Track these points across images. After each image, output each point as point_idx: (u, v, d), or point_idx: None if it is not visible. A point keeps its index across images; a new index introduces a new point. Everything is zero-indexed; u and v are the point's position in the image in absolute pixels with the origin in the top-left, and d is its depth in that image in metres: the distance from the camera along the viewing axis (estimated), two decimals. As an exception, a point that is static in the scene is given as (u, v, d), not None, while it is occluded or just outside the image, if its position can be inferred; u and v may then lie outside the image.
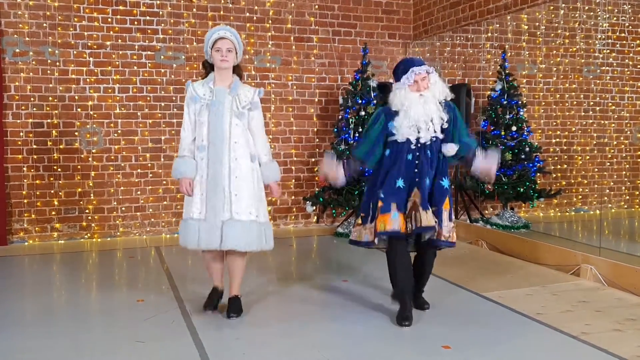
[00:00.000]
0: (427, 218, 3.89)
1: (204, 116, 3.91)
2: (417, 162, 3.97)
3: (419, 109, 3.93)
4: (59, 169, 6.63)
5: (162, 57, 6.92)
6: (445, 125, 3.99)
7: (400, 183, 3.96)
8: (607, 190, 7.51)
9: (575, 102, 7.60)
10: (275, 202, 7.35)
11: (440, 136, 4.00)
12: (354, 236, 4.18)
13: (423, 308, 4.24)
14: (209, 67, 4.03)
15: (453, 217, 4.11)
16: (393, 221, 3.92)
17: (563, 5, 7.09)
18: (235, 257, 4.05)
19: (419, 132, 3.93)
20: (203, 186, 3.92)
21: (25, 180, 6.53)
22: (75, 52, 6.63)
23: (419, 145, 3.96)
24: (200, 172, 3.93)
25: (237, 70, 4.03)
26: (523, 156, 6.74)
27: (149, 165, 6.94)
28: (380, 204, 3.96)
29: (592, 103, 7.50)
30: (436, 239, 3.96)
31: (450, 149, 4.03)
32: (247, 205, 3.89)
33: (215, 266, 4.16)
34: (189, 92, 3.99)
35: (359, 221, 4.15)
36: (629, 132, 7.57)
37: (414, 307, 4.15)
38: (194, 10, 7.01)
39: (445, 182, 4.02)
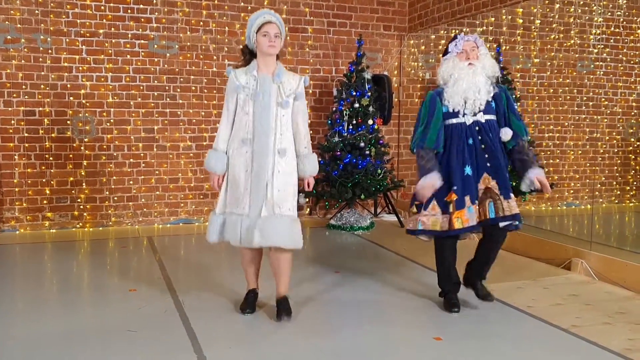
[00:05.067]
0: (509, 207, 3.79)
1: (249, 107, 3.69)
2: (482, 146, 3.82)
3: (469, 79, 3.78)
4: (51, 158, 6.60)
5: (155, 46, 6.88)
6: (490, 99, 3.85)
7: (468, 170, 3.80)
8: (599, 185, 7.54)
9: (568, 97, 7.61)
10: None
11: (494, 117, 3.86)
12: (410, 225, 4.04)
13: (487, 299, 4.02)
14: (248, 54, 3.79)
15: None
16: (470, 217, 3.79)
17: (558, -1, 7.10)
18: (280, 254, 3.79)
19: (465, 103, 3.79)
20: (248, 181, 3.69)
21: (16, 169, 6.49)
22: (67, 39, 6.58)
23: (477, 128, 3.82)
24: (245, 166, 3.70)
25: (279, 55, 3.80)
26: (516, 150, 6.74)
27: (142, 155, 6.91)
28: (454, 197, 3.80)
29: (585, 98, 7.51)
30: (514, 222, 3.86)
31: (505, 134, 3.87)
32: (288, 200, 3.73)
33: (254, 267, 3.98)
34: (230, 81, 3.74)
35: (414, 209, 4.00)
36: (621, 128, 7.59)
37: (479, 298, 4.04)
38: (188, -1, 6.97)
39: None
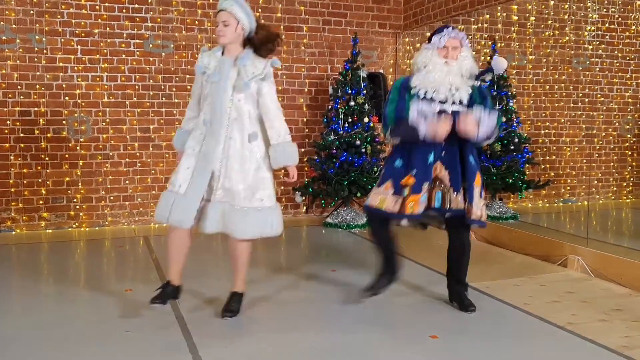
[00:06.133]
0: (456, 201, 3.76)
1: (207, 89, 3.62)
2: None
3: (442, 76, 3.72)
4: (47, 158, 6.58)
5: (150, 45, 6.87)
6: (467, 98, 3.77)
7: (431, 158, 3.75)
8: (595, 182, 7.54)
9: (564, 94, 7.61)
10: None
11: (463, 109, 3.76)
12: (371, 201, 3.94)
13: (468, 310, 3.94)
14: None
15: (483, 194, 3.92)
16: (421, 204, 3.75)
17: (553, -4, 7.10)
18: (235, 244, 3.73)
19: (435, 91, 3.72)
20: (192, 161, 3.61)
21: (12, 169, 6.48)
22: (62, 39, 6.56)
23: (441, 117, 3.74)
24: (194, 146, 3.63)
25: (254, 41, 3.63)
26: (512, 147, 6.76)
27: (138, 154, 6.89)
28: (412, 180, 3.74)
29: (581, 94, 7.52)
30: (467, 217, 3.78)
31: (498, 65, 3.87)
32: (237, 188, 3.57)
33: (177, 253, 3.72)
34: (197, 61, 3.70)
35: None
36: (617, 124, 7.60)
37: (459, 309, 3.98)
38: (183, -2, 6.95)
39: (473, 159, 3.83)
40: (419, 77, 3.81)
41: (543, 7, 7.21)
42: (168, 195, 3.61)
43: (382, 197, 3.83)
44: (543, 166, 7.53)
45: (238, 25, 3.59)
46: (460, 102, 3.77)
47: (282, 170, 7.57)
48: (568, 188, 7.72)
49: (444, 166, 3.79)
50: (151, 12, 6.84)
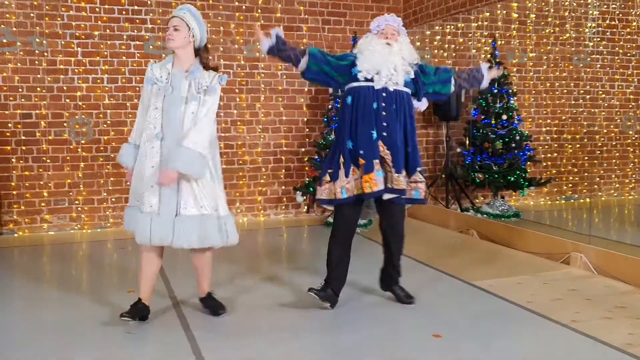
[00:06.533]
0: (398, 181, 3.80)
1: (159, 102, 3.60)
2: (384, 113, 3.80)
3: (384, 56, 3.80)
4: (48, 160, 6.59)
5: (150, 47, 6.86)
6: (412, 76, 3.89)
7: (375, 135, 3.78)
8: (597, 179, 7.54)
9: (565, 91, 7.61)
10: (266, 192, 7.34)
11: (408, 90, 3.88)
12: (324, 195, 3.94)
13: (405, 301, 4.08)
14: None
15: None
16: (378, 180, 3.76)
17: (553, -7, 7.09)
18: (199, 253, 3.79)
19: (378, 74, 3.79)
20: (154, 177, 3.57)
21: (14, 172, 6.48)
22: (63, 42, 6.57)
23: (384, 94, 3.80)
24: (151, 162, 3.59)
25: (201, 54, 3.71)
26: (513, 145, 6.76)
27: (139, 156, 6.89)
28: (362, 161, 3.78)
29: (582, 91, 7.52)
30: (412, 197, 3.90)
31: (422, 105, 4.02)
32: (200, 198, 3.60)
33: (152, 270, 3.77)
34: (146, 73, 3.68)
35: (327, 178, 3.91)
36: (618, 120, 7.59)
37: (400, 302, 4.09)
38: (183, -1, 6.95)
39: (416, 146, 3.94)
40: (360, 59, 3.85)
41: (543, 4, 7.20)
42: (143, 217, 3.59)
43: (356, 184, 3.84)
44: (545, 164, 7.52)
45: (189, 32, 3.68)
46: (397, 83, 3.86)
47: (283, 170, 7.59)
48: (570, 185, 7.72)
49: (386, 146, 3.81)
50: (151, 14, 6.84)
